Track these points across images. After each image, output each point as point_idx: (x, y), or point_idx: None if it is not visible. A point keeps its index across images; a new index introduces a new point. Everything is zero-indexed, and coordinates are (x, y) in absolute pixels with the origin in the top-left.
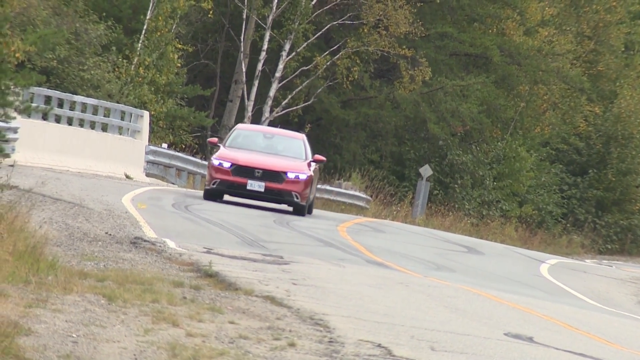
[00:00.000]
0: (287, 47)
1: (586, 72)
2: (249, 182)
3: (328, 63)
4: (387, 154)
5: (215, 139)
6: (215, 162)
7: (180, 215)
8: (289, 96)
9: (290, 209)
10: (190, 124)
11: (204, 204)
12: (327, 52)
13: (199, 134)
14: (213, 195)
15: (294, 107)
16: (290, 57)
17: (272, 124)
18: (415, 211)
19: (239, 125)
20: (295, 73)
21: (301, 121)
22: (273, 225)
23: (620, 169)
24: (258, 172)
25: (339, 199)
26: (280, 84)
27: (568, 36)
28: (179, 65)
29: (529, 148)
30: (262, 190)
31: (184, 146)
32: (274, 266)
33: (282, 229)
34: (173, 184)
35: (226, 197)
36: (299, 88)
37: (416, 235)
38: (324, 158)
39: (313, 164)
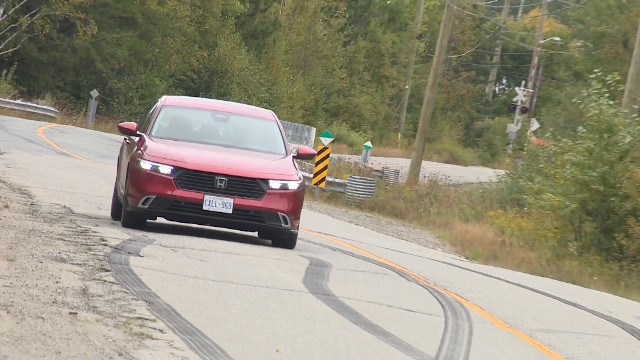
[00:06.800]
0: None
1: (198, 30)
2: (207, 198)
3: None
4: (69, 83)
5: (132, 125)
6: (146, 166)
7: None
8: None
9: (266, 238)
10: None
11: None
12: None
13: None
14: (141, 219)
15: None
16: None
17: None
18: (87, 119)
19: (167, 99)
20: None
21: None
22: None
23: (220, 92)
24: (221, 181)
25: (35, 111)
26: None
27: (185, 6)
28: None
29: (162, 78)
30: (229, 210)
31: None
32: None
33: (2, 132)
34: None
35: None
36: None
37: (89, 135)
38: (313, 151)
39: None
